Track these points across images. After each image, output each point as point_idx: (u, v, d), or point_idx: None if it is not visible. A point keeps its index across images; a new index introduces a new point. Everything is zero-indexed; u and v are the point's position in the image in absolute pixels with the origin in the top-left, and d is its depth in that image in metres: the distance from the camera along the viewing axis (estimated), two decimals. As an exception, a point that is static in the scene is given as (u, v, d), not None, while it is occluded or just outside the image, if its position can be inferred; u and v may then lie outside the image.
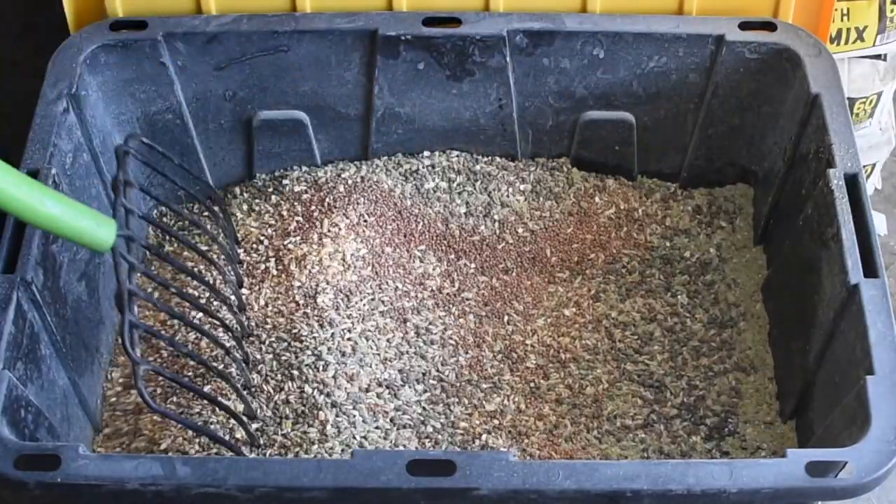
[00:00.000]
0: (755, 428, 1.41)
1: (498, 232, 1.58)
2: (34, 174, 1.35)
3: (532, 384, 1.44)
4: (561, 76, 1.56)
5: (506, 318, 1.50)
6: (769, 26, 1.51)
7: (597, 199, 1.61)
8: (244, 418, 1.35)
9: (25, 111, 1.42)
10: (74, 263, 1.39)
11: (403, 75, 1.55)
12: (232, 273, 1.48)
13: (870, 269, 1.28)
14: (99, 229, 1.26)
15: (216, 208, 1.53)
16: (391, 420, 1.39)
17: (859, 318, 1.26)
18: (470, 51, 1.53)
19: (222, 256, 1.48)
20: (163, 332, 1.44)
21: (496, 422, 1.40)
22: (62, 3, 1.52)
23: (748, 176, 1.60)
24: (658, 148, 1.61)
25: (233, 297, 1.46)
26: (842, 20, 1.69)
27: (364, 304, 1.48)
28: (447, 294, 1.51)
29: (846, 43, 1.71)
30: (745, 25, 1.51)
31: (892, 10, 1.70)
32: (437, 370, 1.44)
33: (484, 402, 1.42)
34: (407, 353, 1.45)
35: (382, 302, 1.49)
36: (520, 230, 1.58)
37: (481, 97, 1.57)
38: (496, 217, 1.59)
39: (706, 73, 1.53)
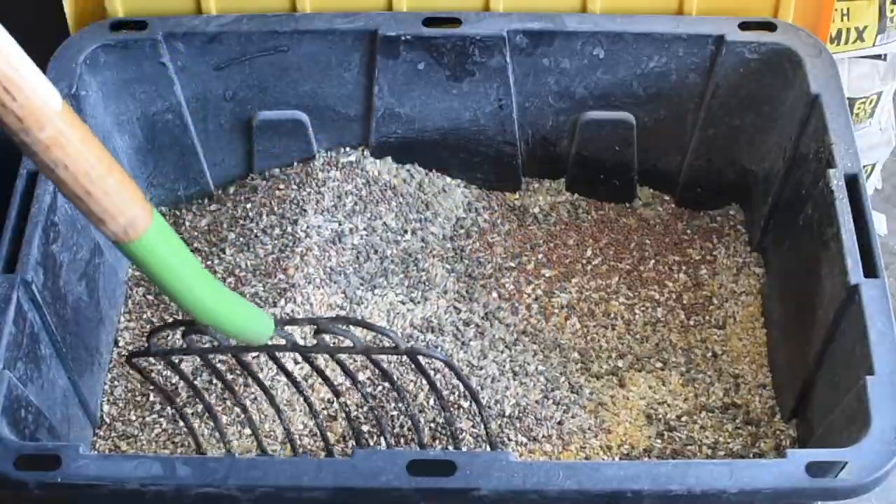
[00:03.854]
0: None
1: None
2: (34, 174, 1.35)
3: None
4: (561, 76, 1.56)
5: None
6: (769, 26, 1.51)
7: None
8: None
9: (25, 111, 1.42)
10: (74, 263, 1.39)
11: (403, 75, 1.55)
12: None
13: (870, 270, 1.28)
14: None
15: None
16: None
17: (859, 318, 1.25)
18: (470, 51, 1.53)
19: None
20: None
21: None
22: (62, 3, 1.52)
23: (748, 176, 1.60)
24: (658, 148, 1.61)
25: None
26: (842, 20, 1.69)
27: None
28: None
29: (846, 43, 1.71)
30: (745, 25, 1.51)
31: (892, 10, 1.70)
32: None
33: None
34: None
35: None
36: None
37: (481, 97, 1.57)
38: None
39: (706, 73, 1.53)
